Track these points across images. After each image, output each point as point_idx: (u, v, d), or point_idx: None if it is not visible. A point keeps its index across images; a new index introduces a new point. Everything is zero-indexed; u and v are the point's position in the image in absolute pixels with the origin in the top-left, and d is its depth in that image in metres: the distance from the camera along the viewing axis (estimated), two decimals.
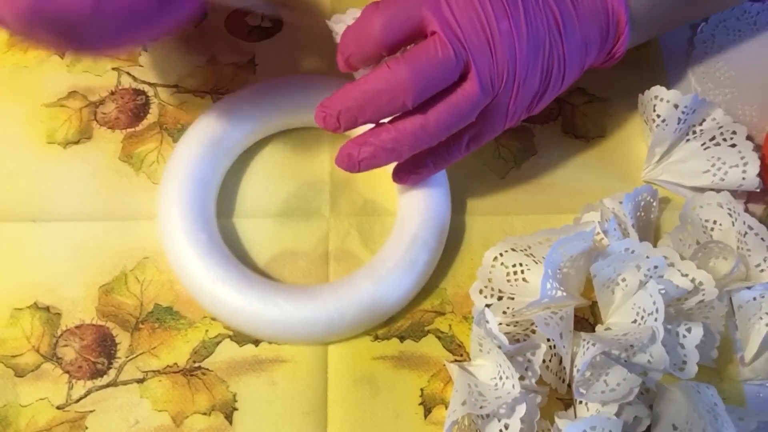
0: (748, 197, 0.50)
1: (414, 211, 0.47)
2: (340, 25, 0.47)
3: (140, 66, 0.54)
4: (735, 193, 0.49)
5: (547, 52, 0.43)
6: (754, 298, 0.45)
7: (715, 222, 0.47)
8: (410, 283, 0.46)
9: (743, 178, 0.48)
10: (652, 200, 0.48)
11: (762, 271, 0.45)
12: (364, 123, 0.42)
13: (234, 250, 0.48)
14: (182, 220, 0.45)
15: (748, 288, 0.45)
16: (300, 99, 0.50)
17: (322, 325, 0.44)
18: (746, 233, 0.45)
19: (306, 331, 0.44)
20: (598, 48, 0.45)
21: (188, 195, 0.46)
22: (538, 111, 0.45)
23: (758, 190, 0.48)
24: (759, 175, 0.48)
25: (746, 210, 0.50)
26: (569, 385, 0.43)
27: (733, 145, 0.48)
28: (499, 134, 0.45)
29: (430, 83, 0.41)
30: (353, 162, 0.44)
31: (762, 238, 0.45)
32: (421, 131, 0.42)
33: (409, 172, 0.47)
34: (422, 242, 0.46)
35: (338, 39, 0.46)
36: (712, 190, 0.48)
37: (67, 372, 0.44)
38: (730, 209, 0.46)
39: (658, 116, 0.48)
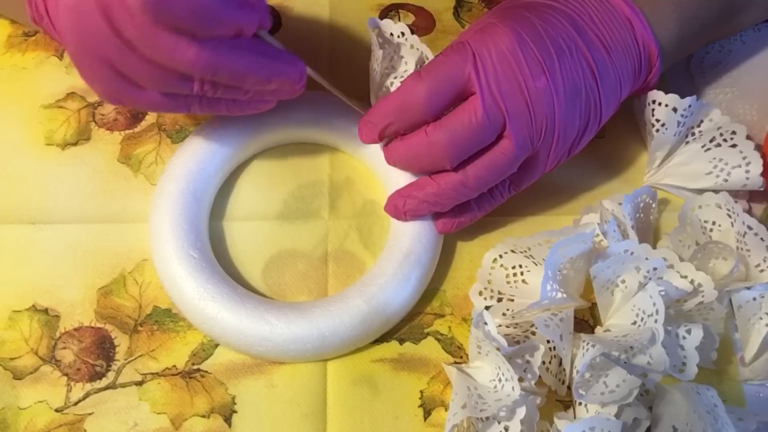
0: (750, 196, 0.50)
1: (406, 226, 0.47)
2: (384, 36, 0.47)
3: None
4: (737, 193, 0.49)
5: (584, 99, 0.44)
6: (754, 299, 0.45)
7: (714, 223, 0.47)
8: (403, 300, 0.45)
9: (747, 178, 0.48)
10: (651, 202, 0.48)
11: (762, 271, 0.45)
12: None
13: (233, 253, 0.48)
14: (173, 239, 0.45)
15: (748, 288, 0.45)
16: (296, 115, 0.49)
17: (314, 342, 0.43)
18: (745, 233, 0.45)
19: (298, 349, 0.44)
20: (631, 82, 0.46)
21: (179, 214, 0.46)
22: (578, 152, 0.47)
23: (761, 189, 0.48)
24: (761, 174, 0.48)
25: (749, 209, 0.50)
26: (569, 387, 0.43)
27: (734, 146, 0.48)
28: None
29: (466, 147, 0.43)
30: (399, 212, 0.47)
31: (762, 238, 0.45)
32: (461, 187, 0.44)
33: (453, 220, 0.47)
34: (415, 258, 0.46)
35: (375, 41, 0.46)
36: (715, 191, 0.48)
37: (66, 374, 0.44)
38: (729, 210, 0.46)
39: (658, 120, 0.48)
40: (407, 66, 0.47)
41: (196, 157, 0.47)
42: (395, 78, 0.47)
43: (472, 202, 0.47)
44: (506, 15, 0.44)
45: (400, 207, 0.46)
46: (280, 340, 0.43)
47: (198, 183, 0.47)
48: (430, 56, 0.46)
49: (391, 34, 0.48)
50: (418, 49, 0.47)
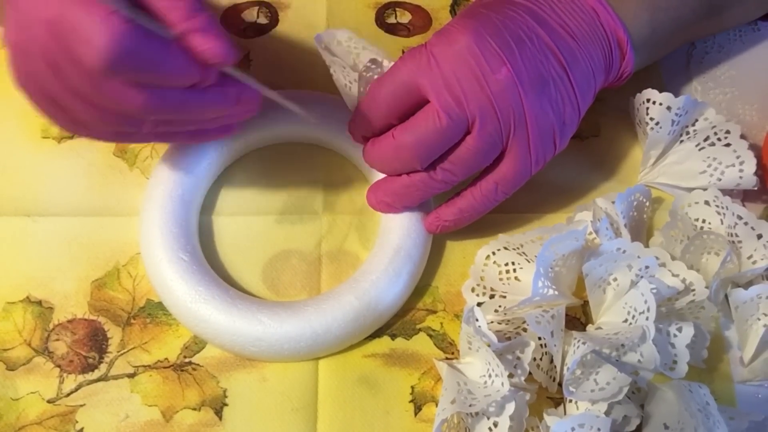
0: (744, 196, 0.50)
1: (396, 221, 0.47)
2: (334, 45, 0.47)
3: None
4: (732, 192, 0.49)
5: (553, 88, 0.43)
6: (752, 299, 0.45)
7: (704, 221, 0.47)
8: (395, 296, 0.45)
9: (740, 177, 0.48)
10: (645, 200, 0.48)
11: (754, 262, 0.45)
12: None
13: (229, 250, 0.48)
14: (163, 243, 0.45)
15: (746, 289, 0.45)
16: (283, 115, 0.49)
17: (308, 341, 0.43)
18: (736, 224, 0.45)
19: (291, 348, 0.44)
20: (604, 70, 0.46)
21: (168, 217, 0.46)
22: (564, 145, 0.46)
23: (755, 189, 0.48)
24: (757, 173, 0.48)
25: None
26: (559, 384, 0.43)
27: (728, 145, 0.48)
28: (530, 177, 0.46)
29: (433, 148, 0.43)
30: (373, 204, 0.48)
31: (752, 227, 0.45)
32: (428, 179, 0.45)
33: (437, 220, 0.47)
34: (405, 254, 0.46)
35: (327, 56, 0.46)
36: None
37: (59, 366, 0.44)
38: (718, 205, 0.46)
39: (652, 119, 0.48)
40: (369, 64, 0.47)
41: (184, 159, 0.47)
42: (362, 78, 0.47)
43: (457, 204, 0.46)
44: (464, 15, 0.45)
45: (373, 200, 0.47)
46: (274, 340, 0.43)
47: (187, 185, 0.47)
48: (378, 55, 0.46)
49: (339, 43, 0.47)
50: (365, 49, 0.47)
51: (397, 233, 0.46)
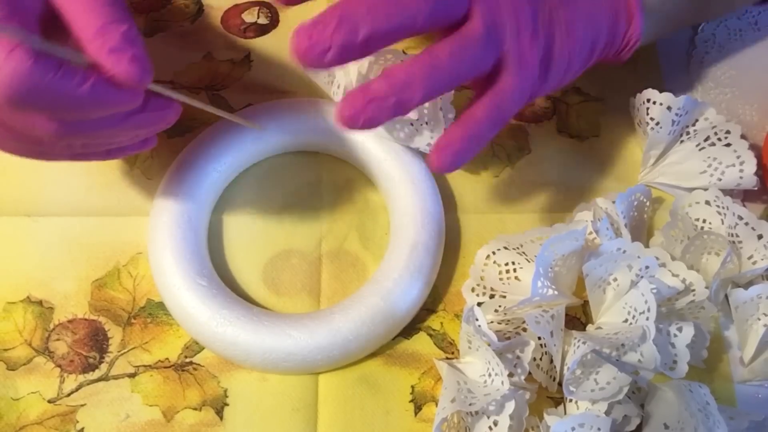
0: (744, 196, 0.50)
1: (408, 216, 0.46)
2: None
3: None
4: (732, 192, 0.49)
5: (545, 15, 0.41)
6: (752, 299, 0.45)
7: (704, 221, 0.47)
8: (419, 291, 0.45)
9: (740, 177, 0.48)
10: (645, 200, 0.48)
11: (754, 263, 0.45)
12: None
13: (229, 251, 0.48)
14: (178, 269, 0.44)
15: (746, 289, 0.45)
16: (287, 126, 0.49)
17: (340, 348, 0.43)
18: (736, 224, 0.45)
19: (324, 358, 0.43)
20: (607, 28, 0.44)
21: (178, 245, 0.45)
22: (548, 89, 0.43)
23: (756, 189, 0.48)
24: (757, 173, 0.48)
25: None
26: (559, 384, 0.43)
27: (728, 145, 0.48)
28: (527, 104, 0.42)
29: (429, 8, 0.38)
30: (357, 113, 0.38)
31: (752, 227, 0.45)
32: (431, 68, 0.39)
33: (447, 148, 0.41)
34: (423, 248, 0.45)
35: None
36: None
37: (59, 366, 0.44)
38: (718, 205, 0.46)
39: (652, 119, 0.48)
40: None
41: (185, 183, 0.47)
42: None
43: (461, 124, 0.41)
44: None
45: (359, 107, 0.38)
46: (306, 352, 0.43)
47: (194, 210, 0.46)
48: None
49: None
50: None
51: (411, 228, 0.46)
